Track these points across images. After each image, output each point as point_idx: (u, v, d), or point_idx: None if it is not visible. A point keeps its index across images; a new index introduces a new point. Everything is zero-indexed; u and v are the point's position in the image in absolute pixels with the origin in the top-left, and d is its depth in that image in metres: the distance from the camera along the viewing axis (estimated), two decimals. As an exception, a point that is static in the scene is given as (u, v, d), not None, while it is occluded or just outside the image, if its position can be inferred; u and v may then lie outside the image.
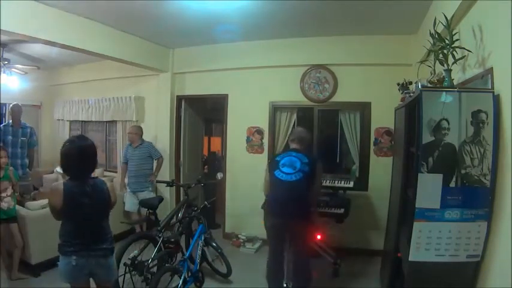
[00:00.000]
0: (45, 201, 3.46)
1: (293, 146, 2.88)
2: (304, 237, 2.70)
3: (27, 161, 4.47)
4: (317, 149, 4.16)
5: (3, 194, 3.11)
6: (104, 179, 2.24)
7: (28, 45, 4.50)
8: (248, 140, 4.53)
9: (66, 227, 1.97)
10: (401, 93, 2.78)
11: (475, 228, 1.76)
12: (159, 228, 3.14)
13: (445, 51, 1.93)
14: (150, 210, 3.41)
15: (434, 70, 2.09)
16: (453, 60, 1.94)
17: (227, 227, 4.70)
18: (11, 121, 4.43)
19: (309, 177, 2.63)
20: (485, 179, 1.73)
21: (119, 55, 4.04)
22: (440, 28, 2.03)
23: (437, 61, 2.01)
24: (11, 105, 4.52)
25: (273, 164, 2.77)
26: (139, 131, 4.37)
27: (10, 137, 4.32)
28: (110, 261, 2.05)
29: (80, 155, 1.95)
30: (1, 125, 4.50)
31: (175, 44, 4.69)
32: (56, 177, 5.58)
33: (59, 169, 2.62)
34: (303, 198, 2.63)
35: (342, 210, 3.39)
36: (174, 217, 3.47)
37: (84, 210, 1.94)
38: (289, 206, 2.57)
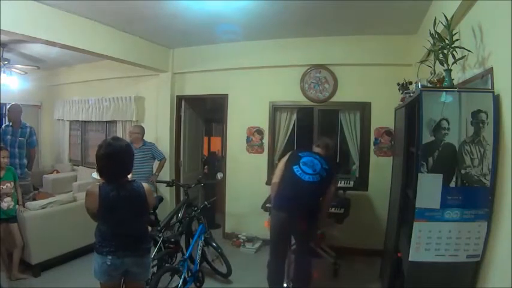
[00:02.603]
0: (45, 201, 3.47)
1: (316, 150, 2.86)
2: (309, 237, 2.69)
3: (25, 161, 4.44)
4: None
5: (4, 196, 3.11)
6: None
7: (28, 45, 4.51)
8: (248, 140, 4.54)
9: (101, 228, 1.96)
10: (401, 93, 2.78)
11: (475, 228, 1.76)
12: (159, 228, 3.14)
13: (445, 51, 1.93)
14: (150, 210, 3.41)
15: (434, 70, 2.09)
16: (453, 60, 1.94)
17: (227, 227, 4.70)
18: (11, 121, 4.44)
19: (324, 183, 2.63)
20: (485, 179, 1.73)
21: (119, 55, 4.04)
22: (440, 28, 2.03)
23: (437, 61, 2.01)
24: (9, 105, 4.51)
25: (294, 157, 2.73)
26: (142, 131, 4.33)
27: (9, 137, 4.32)
28: (145, 260, 2.04)
29: (116, 158, 1.90)
30: (3, 126, 4.51)
31: (175, 44, 4.69)
32: (55, 177, 5.59)
33: (94, 175, 2.43)
34: (315, 201, 2.63)
35: (342, 210, 3.39)
36: (174, 217, 3.47)
37: (120, 214, 1.91)
38: (300, 204, 2.55)
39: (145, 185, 2.04)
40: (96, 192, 1.91)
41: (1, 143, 4.14)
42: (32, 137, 4.52)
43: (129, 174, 2.01)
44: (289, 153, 2.89)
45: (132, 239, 1.96)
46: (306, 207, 2.57)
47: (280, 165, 2.78)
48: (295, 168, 2.64)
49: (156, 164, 4.37)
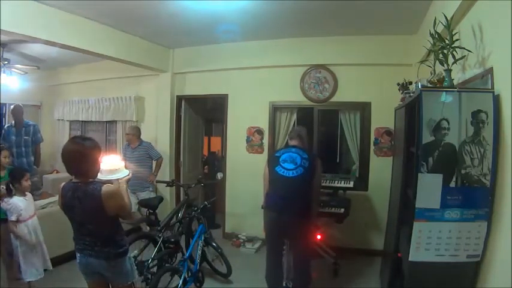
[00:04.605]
0: (45, 201, 3.48)
1: (292, 143, 2.87)
2: (306, 234, 2.68)
3: (32, 158, 4.50)
4: (317, 149, 4.17)
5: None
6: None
7: (28, 45, 4.50)
8: (248, 140, 4.54)
9: (71, 226, 1.98)
10: (401, 93, 2.78)
11: (475, 228, 1.76)
12: (159, 228, 3.14)
13: (445, 51, 1.92)
14: (150, 210, 3.41)
15: (434, 70, 2.09)
16: (453, 60, 1.93)
17: (227, 227, 4.70)
18: (13, 122, 4.46)
19: (309, 173, 2.64)
20: (485, 179, 1.73)
21: (119, 55, 4.04)
22: (440, 28, 2.03)
23: (437, 61, 2.01)
24: (11, 106, 4.55)
25: (273, 160, 2.75)
26: (137, 132, 4.36)
27: (14, 137, 4.38)
28: (115, 264, 1.95)
29: (69, 156, 1.86)
30: (5, 126, 4.55)
31: (175, 44, 4.69)
32: (55, 177, 5.59)
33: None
34: (305, 194, 2.62)
35: (342, 210, 3.38)
36: (174, 217, 3.47)
37: (76, 214, 1.89)
38: (291, 201, 2.56)
39: (106, 187, 1.86)
40: (60, 191, 1.94)
41: (2, 143, 4.17)
42: (36, 134, 4.62)
43: (86, 175, 1.89)
44: (267, 159, 2.92)
45: (94, 240, 1.91)
46: (300, 203, 2.58)
47: (265, 175, 2.80)
48: (278, 168, 2.66)
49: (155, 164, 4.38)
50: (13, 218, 2.71)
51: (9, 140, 4.35)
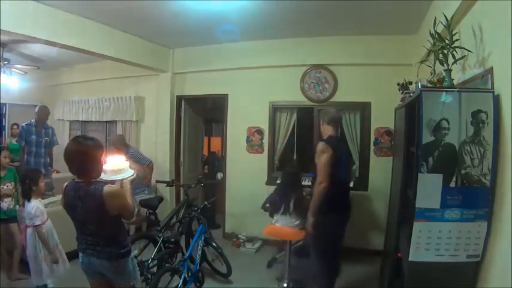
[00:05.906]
0: (45, 201, 3.46)
1: (331, 131, 2.74)
2: None
3: (48, 160, 4.54)
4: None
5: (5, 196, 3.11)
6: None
7: (28, 45, 4.51)
8: (248, 140, 4.53)
9: (74, 225, 1.98)
10: (402, 93, 2.78)
11: (475, 228, 1.76)
12: (159, 228, 3.14)
13: (445, 51, 1.92)
14: (150, 211, 3.41)
15: (434, 70, 2.09)
16: (453, 60, 1.93)
17: (227, 227, 4.70)
18: (33, 121, 4.43)
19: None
20: (485, 179, 1.73)
21: (119, 55, 4.04)
22: (440, 28, 2.02)
23: (437, 61, 2.01)
24: (37, 106, 4.52)
25: (339, 160, 2.61)
26: (120, 141, 4.36)
27: (34, 137, 4.37)
28: (118, 264, 1.94)
29: (71, 156, 1.86)
30: (24, 124, 4.50)
31: (175, 44, 4.70)
32: (55, 177, 5.58)
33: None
34: None
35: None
36: (174, 217, 3.47)
37: (78, 213, 1.89)
38: (349, 204, 2.80)
39: (108, 187, 1.84)
40: (63, 191, 1.95)
41: (23, 142, 4.25)
42: (53, 136, 4.65)
43: (88, 175, 1.88)
44: (331, 150, 2.55)
45: (96, 240, 1.90)
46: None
47: (326, 166, 2.52)
48: (342, 174, 2.72)
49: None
50: (38, 222, 2.68)
51: (28, 138, 4.34)
